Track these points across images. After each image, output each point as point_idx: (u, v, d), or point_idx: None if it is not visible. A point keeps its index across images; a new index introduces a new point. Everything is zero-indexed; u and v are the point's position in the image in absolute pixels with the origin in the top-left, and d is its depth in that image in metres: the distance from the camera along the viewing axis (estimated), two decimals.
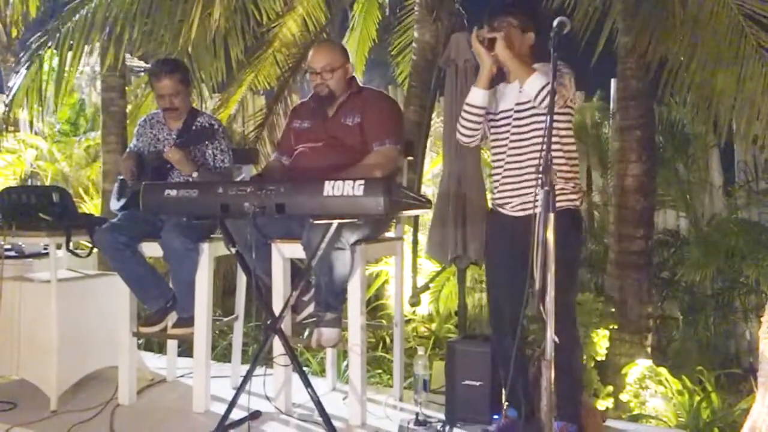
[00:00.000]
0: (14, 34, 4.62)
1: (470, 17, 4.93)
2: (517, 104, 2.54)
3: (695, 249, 4.88)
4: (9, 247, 3.59)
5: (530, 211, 2.50)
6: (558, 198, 2.46)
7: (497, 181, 2.64)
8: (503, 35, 2.44)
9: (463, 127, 2.62)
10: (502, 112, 2.59)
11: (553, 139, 2.45)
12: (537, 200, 2.46)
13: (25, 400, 3.14)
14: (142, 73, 6.85)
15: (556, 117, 2.43)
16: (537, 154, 2.43)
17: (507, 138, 2.57)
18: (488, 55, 2.46)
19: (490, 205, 2.71)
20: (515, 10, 2.56)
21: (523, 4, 2.61)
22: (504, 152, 2.58)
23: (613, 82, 5.38)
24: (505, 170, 2.58)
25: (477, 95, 2.55)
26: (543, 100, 2.35)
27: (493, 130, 2.64)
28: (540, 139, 2.44)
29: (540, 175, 2.05)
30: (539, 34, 2.58)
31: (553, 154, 2.46)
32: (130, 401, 3.13)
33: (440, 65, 3.79)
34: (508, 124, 2.57)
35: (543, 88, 2.35)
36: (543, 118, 2.44)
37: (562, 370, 2.48)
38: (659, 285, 4.91)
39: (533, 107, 2.47)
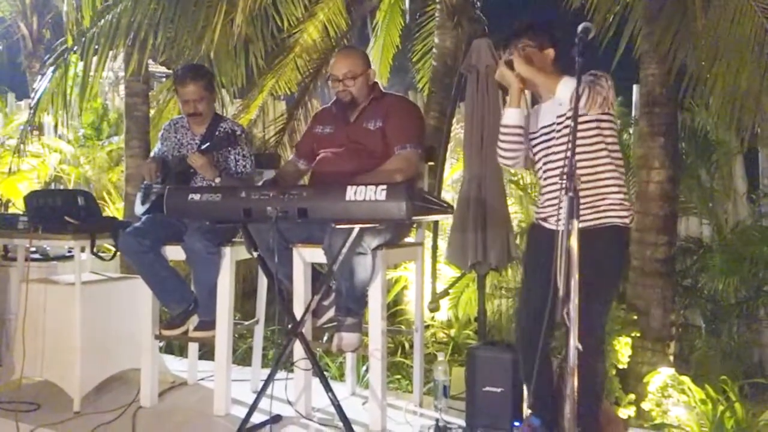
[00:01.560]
0: (70, 42, 4.68)
1: (491, 23, 4.93)
2: (558, 116, 2.51)
3: (718, 257, 4.82)
4: (34, 249, 3.65)
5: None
6: (608, 213, 2.45)
7: (543, 195, 2.63)
8: (518, 54, 2.46)
9: (503, 149, 2.62)
10: (542, 128, 2.58)
11: (600, 146, 2.45)
12: (582, 214, 2.45)
13: (49, 401, 3.18)
14: (165, 79, 6.92)
15: (600, 124, 2.44)
16: (582, 165, 2.42)
17: (550, 153, 2.54)
18: (513, 76, 2.47)
19: (534, 218, 2.70)
20: (528, 31, 2.57)
21: (535, 24, 2.61)
22: (548, 167, 2.56)
23: (635, 88, 5.35)
24: (549, 184, 2.56)
25: (511, 115, 2.56)
26: (579, 99, 2.28)
27: (536, 149, 2.62)
28: (582, 151, 2.43)
29: (564, 181, 2.03)
30: (559, 44, 2.57)
31: (602, 162, 2.45)
32: (152, 403, 3.16)
33: (461, 71, 3.79)
34: (551, 139, 2.54)
35: (576, 89, 2.30)
36: (586, 125, 2.43)
37: (582, 378, 2.47)
38: (682, 293, 4.85)
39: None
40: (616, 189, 2.48)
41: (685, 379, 3.91)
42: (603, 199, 2.46)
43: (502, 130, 2.59)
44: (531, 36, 2.55)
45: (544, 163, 2.58)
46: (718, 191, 5.38)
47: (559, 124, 2.52)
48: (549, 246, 2.48)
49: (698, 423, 3.70)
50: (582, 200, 2.38)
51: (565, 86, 2.34)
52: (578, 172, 2.36)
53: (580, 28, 2.23)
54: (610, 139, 2.49)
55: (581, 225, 2.42)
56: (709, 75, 3.74)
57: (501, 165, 2.71)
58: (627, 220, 2.51)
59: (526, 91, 2.64)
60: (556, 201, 2.48)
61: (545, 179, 2.59)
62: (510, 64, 2.46)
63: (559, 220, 2.48)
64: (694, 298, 4.97)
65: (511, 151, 2.61)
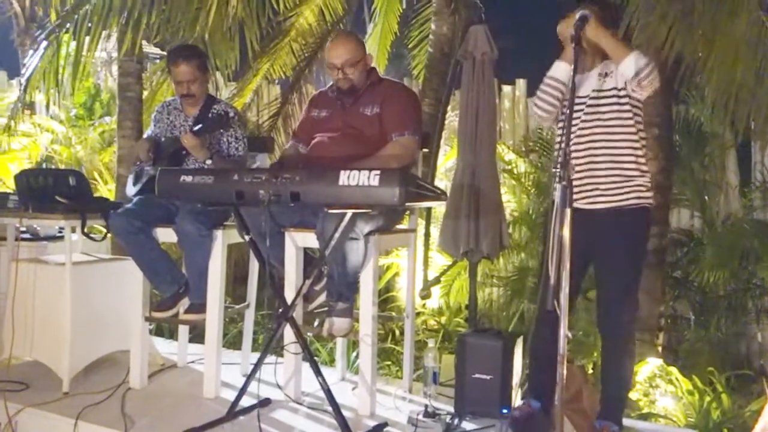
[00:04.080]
0: (53, 18, 4.63)
1: (488, 10, 4.90)
2: (594, 91, 2.47)
3: (709, 249, 4.85)
4: (24, 229, 3.62)
5: (601, 205, 2.45)
6: (640, 194, 2.45)
7: None
8: (594, 17, 2.38)
9: (541, 99, 2.54)
10: (576, 98, 2.46)
11: (632, 130, 2.44)
12: (611, 193, 2.43)
13: (38, 381, 3.17)
14: (158, 60, 6.86)
15: (636, 111, 2.44)
16: (612, 144, 2.42)
17: (577, 126, 2.48)
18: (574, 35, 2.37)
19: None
20: (598, 2, 2.49)
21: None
22: (579, 143, 2.49)
23: None
24: (574, 160, 2.45)
25: (560, 67, 2.48)
26: (646, 77, 2.29)
27: (561, 117, 2.55)
28: (619, 128, 2.43)
29: (558, 170, 2.02)
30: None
31: (635, 141, 2.44)
32: (141, 385, 3.16)
33: (458, 58, 3.77)
34: (581, 111, 2.48)
35: (647, 65, 2.29)
36: (627, 107, 2.43)
37: (611, 371, 2.48)
38: (672, 284, 4.88)
39: (615, 95, 2.43)
40: (645, 169, 2.49)
41: (673, 369, 3.94)
42: (639, 176, 2.45)
43: (546, 81, 2.52)
44: (601, 6, 2.47)
45: (572, 134, 2.48)
46: (711, 184, 5.40)
47: (593, 98, 2.47)
48: (578, 227, 2.47)
49: (685, 413, 3.73)
50: (618, 177, 2.42)
51: (636, 59, 2.30)
52: (606, 151, 2.40)
53: (578, 15, 2.23)
54: (639, 119, 2.49)
55: (616, 204, 2.43)
56: (705, 67, 3.74)
57: (536, 116, 2.63)
58: (652, 201, 2.51)
59: None
60: (581, 178, 2.46)
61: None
62: (583, 21, 2.34)
63: (585, 198, 2.46)
64: (683, 289, 5.00)
65: (548, 104, 2.54)
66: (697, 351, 4.60)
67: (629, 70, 2.32)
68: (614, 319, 2.46)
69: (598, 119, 2.46)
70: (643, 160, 2.49)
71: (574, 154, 2.45)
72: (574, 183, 2.41)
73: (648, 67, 2.30)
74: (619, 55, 2.35)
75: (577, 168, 2.44)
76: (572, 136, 2.47)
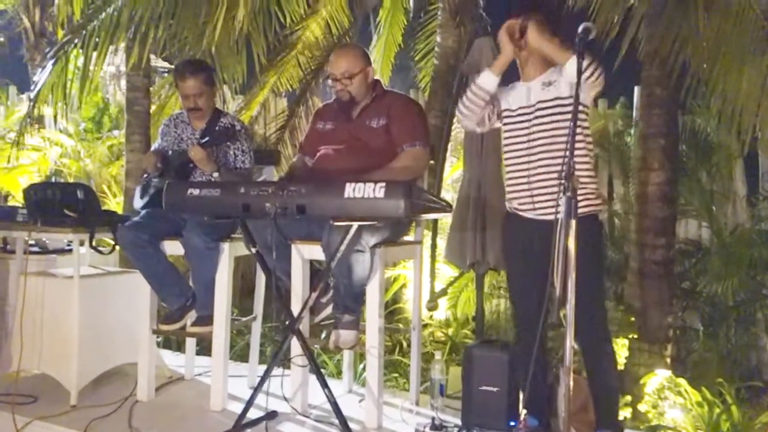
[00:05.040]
0: (60, 35, 4.70)
1: (494, 22, 4.92)
2: (540, 102, 2.50)
3: (717, 259, 4.83)
4: (33, 242, 3.64)
5: (551, 216, 2.45)
6: (587, 202, 2.44)
7: (513, 181, 2.57)
8: (535, 24, 2.44)
9: (465, 106, 2.58)
10: (520, 108, 2.55)
11: (577, 138, 2.38)
12: (558, 205, 2.44)
13: (46, 394, 3.19)
14: (167, 74, 6.92)
15: (581, 117, 2.41)
16: (558, 154, 2.41)
17: (527, 137, 2.50)
18: (511, 46, 2.47)
19: (507, 207, 2.68)
20: (537, 9, 2.54)
21: (543, 5, 2.62)
22: (523, 152, 2.52)
23: (636, 89, 5.35)
24: (518, 168, 2.53)
25: (489, 78, 2.52)
26: (591, 76, 2.30)
27: (510, 126, 2.58)
28: (563, 139, 2.38)
29: (562, 181, 2.02)
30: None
31: (579, 149, 2.41)
32: (149, 398, 3.16)
33: (462, 70, 3.79)
34: (529, 120, 2.51)
35: (590, 63, 2.28)
36: (568, 115, 2.37)
37: (598, 379, 2.48)
38: (680, 295, 4.85)
39: (559, 104, 2.44)
40: (591, 177, 2.49)
41: (682, 381, 3.91)
42: (583, 187, 2.43)
43: (473, 88, 2.55)
44: (540, 14, 2.51)
45: (516, 143, 2.54)
46: (718, 194, 5.38)
47: (540, 109, 2.48)
48: (530, 238, 2.48)
49: (694, 425, 3.70)
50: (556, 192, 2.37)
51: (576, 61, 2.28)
52: (558, 160, 2.39)
53: (580, 28, 2.23)
54: (585, 124, 2.50)
55: (557, 216, 2.42)
56: (710, 77, 3.74)
57: (459, 116, 2.65)
58: (600, 208, 2.54)
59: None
60: (527, 187, 2.49)
61: (515, 162, 2.54)
62: (522, 30, 2.42)
63: (535, 209, 2.50)
64: (692, 300, 4.97)
65: (470, 110, 2.57)
66: (706, 362, 4.56)
67: (571, 73, 2.28)
68: (588, 326, 2.44)
69: (544, 129, 2.47)
70: (590, 167, 2.49)
71: (522, 165, 2.50)
72: (527, 194, 2.50)
73: (591, 66, 2.30)
74: (560, 58, 2.37)
75: (532, 179, 2.48)
76: (523, 146, 2.51)
